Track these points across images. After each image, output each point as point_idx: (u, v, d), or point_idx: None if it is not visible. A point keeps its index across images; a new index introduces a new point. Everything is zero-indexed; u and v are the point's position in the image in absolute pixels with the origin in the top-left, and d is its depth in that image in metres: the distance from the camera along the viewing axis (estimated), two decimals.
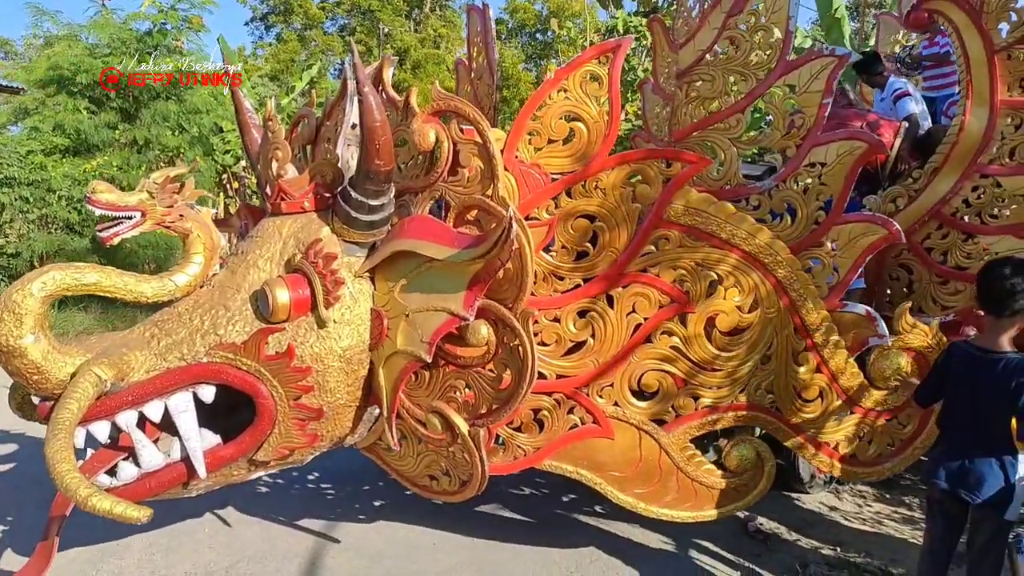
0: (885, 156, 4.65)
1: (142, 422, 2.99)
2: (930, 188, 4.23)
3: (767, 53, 3.53)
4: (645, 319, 3.36)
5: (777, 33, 3.51)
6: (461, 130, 3.11)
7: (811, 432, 3.53)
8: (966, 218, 4.17)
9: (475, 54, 4.02)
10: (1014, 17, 4.02)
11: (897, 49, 6.39)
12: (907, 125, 4.82)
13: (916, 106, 5.02)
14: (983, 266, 3.04)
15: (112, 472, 3.01)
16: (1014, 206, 4.02)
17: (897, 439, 3.63)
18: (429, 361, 2.99)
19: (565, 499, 4.59)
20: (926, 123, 5.07)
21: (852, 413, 3.55)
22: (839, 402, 3.50)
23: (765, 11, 3.56)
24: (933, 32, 5.51)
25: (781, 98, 3.59)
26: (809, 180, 3.41)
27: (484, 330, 3.04)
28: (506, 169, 3.13)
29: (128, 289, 3.07)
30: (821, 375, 3.45)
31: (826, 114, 3.41)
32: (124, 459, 3.03)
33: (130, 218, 3.33)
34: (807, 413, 3.50)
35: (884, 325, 3.40)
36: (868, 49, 5.94)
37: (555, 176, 3.33)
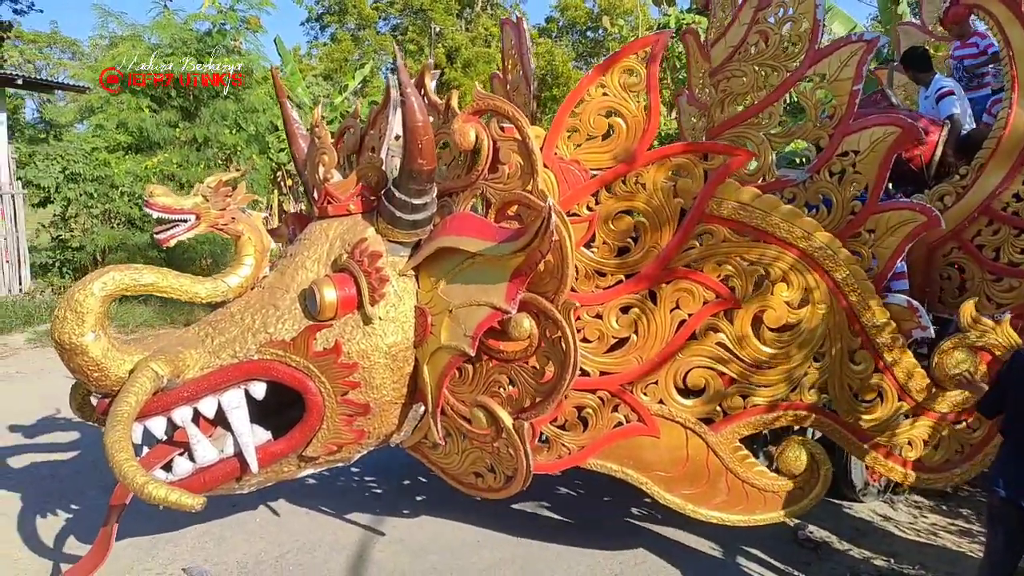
0: (930, 155, 4.51)
1: (197, 418, 3.10)
2: (978, 184, 4.09)
3: (796, 45, 3.46)
4: (690, 315, 3.33)
5: (806, 23, 3.45)
6: (501, 128, 3.14)
7: (875, 436, 3.42)
8: (1018, 213, 4.01)
9: (510, 66, 4.04)
10: None
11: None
12: (949, 125, 4.66)
13: (959, 106, 4.84)
14: None
15: (168, 467, 3.12)
16: None
17: (966, 444, 3.48)
18: (473, 355, 3.02)
19: (607, 499, 4.57)
20: (969, 124, 4.89)
21: (918, 416, 3.42)
22: (903, 404, 3.39)
23: (793, 2, 3.52)
24: (966, 34, 5.32)
25: (812, 89, 3.51)
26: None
27: (526, 323, 3.06)
28: (545, 166, 3.15)
29: (183, 290, 3.20)
30: (882, 375, 3.35)
31: (856, 101, 3.34)
32: (179, 454, 3.14)
33: (185, 221, 3.45)
34: (868, 415, 3.39)
35: (927, 317, 3.30)
36: (919, 46, 5.75)
37: (595, 172, 3.33)
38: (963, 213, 4.11)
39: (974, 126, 4.91)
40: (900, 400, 3.38)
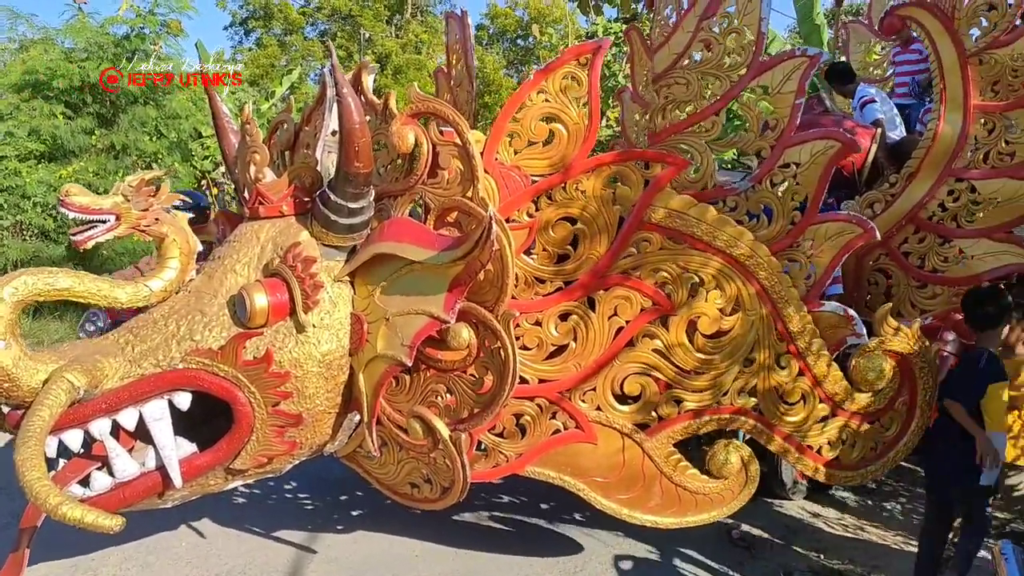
0: (862, 162, 4.71)
1: (116, 430, 2.92)
2: (906, 193, 4.28)
3: (740, 55, 3.55)
4: (627, 322, 3.35)
5: (749, 35, 3.54)
6: (440, 132, 3.10)
7: (795, 436, 3.52)
8: (943, 222, 4.22)
9: (454, 61, 4.01)
10: (984, 23, 4.10)
11: (868, 58, 6.47)
12: (879, 131, 4.88)
13: (882, 111, 5.07)
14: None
15: (85, 482, 2.93)
16: (989, 209, 4.07)
17: (880, 442, 3.63)
18: (410, 365, 2.95)
19: (545, 507, 4.56)
20: (896, 130, 5.13)
21: (835, 417, 3.54)
22: (822, 406, 3.50)
23: (738, 14, 3.60)
24: (907, 40, 5.59)
25: (754, 100, 3.61)
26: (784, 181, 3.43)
27: (465, 333, 3.02)
28: (486, 171, 3.12)
29: (102, 294, 3.01)
30: (804, 379, 3.45)
31: (799, 114, 3.44)
32: (97, 469, 2.95)
33: (104, 221, 3.27)
34: (790, 417, 3.49)
35: (862, 325, 3.42)
36: (840, 59, 6.02)
37: (535, 178, 3.32)
38: (891, 221, 4.30)
39: (902, 132, 5.14)
40: (820, 401, 3.50)
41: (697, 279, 3.34)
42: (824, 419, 3.53)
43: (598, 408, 3.42)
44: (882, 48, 6.36)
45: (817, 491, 4.83)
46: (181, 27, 12.24)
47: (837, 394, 3.48)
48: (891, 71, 6.03)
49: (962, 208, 4.16)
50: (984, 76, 4.10)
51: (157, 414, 2.92)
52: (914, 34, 5.30)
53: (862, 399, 3.52)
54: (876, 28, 6.41)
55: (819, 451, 3.57)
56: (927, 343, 3.50)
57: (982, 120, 4.13)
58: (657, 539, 3.99)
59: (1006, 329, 3.56)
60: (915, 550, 3.80)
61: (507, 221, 3.16)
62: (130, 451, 3.02)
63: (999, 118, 4.10)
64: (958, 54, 4.13)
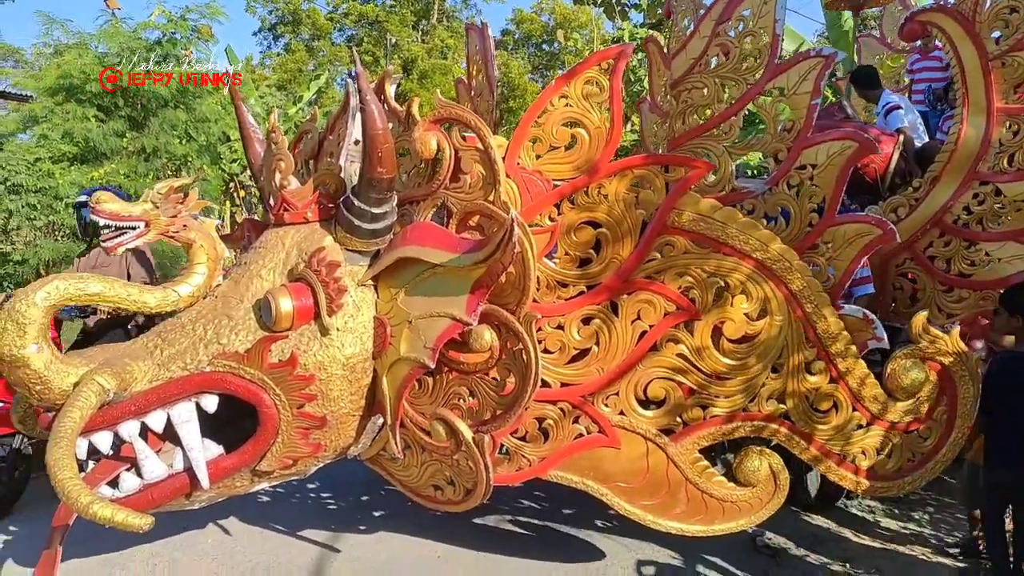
0: (885, 167, 4.65)
1: (145, 432, 2.98)
2: (930, 197, 4.24)
3: (756, 58, 3.53)
4: (651, 327, 3.33)
5: (765, 37, 3.52)
6: (463, 137, 3.11)
7: (830, 445, 3.46)
8: (968, 225, 4.15)
9: (475, 72, 4.03)
10: (1006, 26, 4.04)
11: (882, 71, 6.42)
12: (902, 138, 4.82)
13: (907, 118, 5.02)
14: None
15: (114, 483, 2.99)
16: (1015, 212, 4.00)
17: (918, 453, 3.53)
18: (432, 367, 2.97)
19: (568, 511, 4.54)
20: (920, 137, 5.07)
21: (872, 426, 3.47)
22: (857, 414, 3.44)
23: (753, 17, 3.59)
24: (927, 48, 5.53)
25: (771, 102, 3.59)
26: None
27: (487, 335, 3.03)
28: (508, 175, 3.13)
29: (131, 299, 3.08)
30: (836, 386, 3.40)
31: (815, 115, 3.41)
32: (126, 470, 3.02)
33: (134, 228, 3.34)
34: (824, 424, 3.43)
35: (882, 329, 3.36)
36: (867, 65, 5.96)
37: (557, 183, 3.32)
38: (916, 225, 4.25)
39: (925, 139, 5.08)
40: (854, 410, 3.43)
41: (722, 283, 3.32)
42: (861, 427, 3.46)
43: (621, 413, 3.40)
44: (893, 61, 6.32)
45: (847, 499, 4.77)
46: (212, 32, 12.44)
47: (875, 401, 3.42)
48: (909, 79, 5.97)
49: (987, 211, 4.10)
50: (1007, 79, 4.06)
51: (185, 416, 2.98)
52: (938, 43, 5.27)
53: (899, 408, 3.44)
54: (888, 41, 6.37)
55: (854, 461, 3.49)
56: (967, 351, 3.42)
57: (1006, 123, 4.07)
58: (681, 545, 3.95)
59: None
60: (942, 560, 3.78)
61: (529, 225, 3.17)
62: (158, 453, 3.08)
63: (1023, 120, 4.03)
64: (980, 57, 4.08)
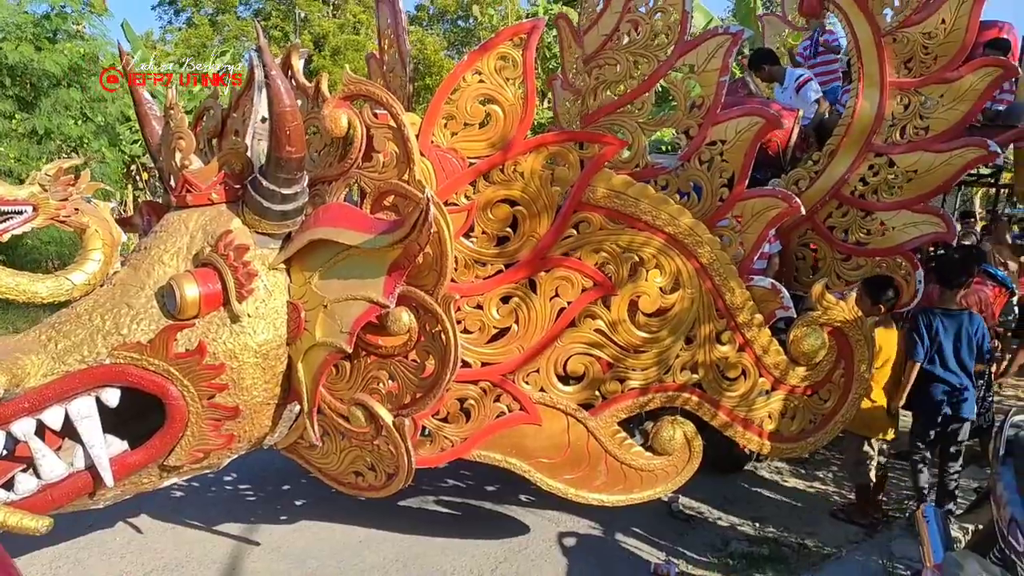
0: (786, 141, 4.82)
1: (41, 430, 2.80)
2: (829, 169, 4.43)
3: (667, 35, 3.58)
4: (569, 303, 3.36)
5: (675, 14, 3.58)
6: (374, 115, 3.03)
7: (738, 410, 3.59)
8: (864, 196, 4.36)
9: (386, 46, 3.93)
10: (897, 3, 4.25)
11: (783, 48, 6.67)
12: (809, 112, 4.99)
13: (816, 92, 5.20)
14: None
15: (8, 486, 2.80)
16: (907, 183, 4.22)
17: (819, 415, 3.72)
18: (350, 351, 2.90)
19: (490, 488, 4.58)
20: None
21: (776, 390, 3.62)
22: (763, 380, 3.58)
23: None
24: (816, 28, 5.74)
25: (682, 79, 3.65)
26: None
27: (405, 317, 2.98)
28: (422, 154, 3.07)
29: (20, 289, 2.89)
30: (745, 353, 3.52)
31: (723, 92, 3.49)
32: (22, 471, 2.82)
33: (20, 212, 3.11)
34: (733, 391, 3.56)
35: (789, 298, 3.50)
36: (762, 47, 6.15)
37: (472, 161, 3.29)
38: (816, 196, 4.43)
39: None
40: (760, 376, 3.58)
41: (637, 258, 3.37)
42: (766, 393, 3.61)
43: (542, 389, 3.43)
44: (795, 39, 6.55)
45: (757, 461, 4.97)
46: (105, 6, 11.73)
47: (777, 367, 3.57)
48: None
49: (882, 182, 4.31)
50: (898, 54, 4.25)
51: (84, 412, 2.81)
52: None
53: (800, 372, 3.61)
54: (790, 19, 6.60)
55: (760, 425, 3.65)
56: (862, 316, 3.61)
57: (898, 96, 4.27)
58: (599, 515, 4.05)
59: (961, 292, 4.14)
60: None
61: (445, 204, 3.13)
62: (57, 451, 2.90)
63: (913, 94, 4.26)
64: (873, 33, 4.26)
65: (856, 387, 3.67)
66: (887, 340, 4.04)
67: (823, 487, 4.81)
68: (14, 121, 10.35)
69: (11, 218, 3.11)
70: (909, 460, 4.26)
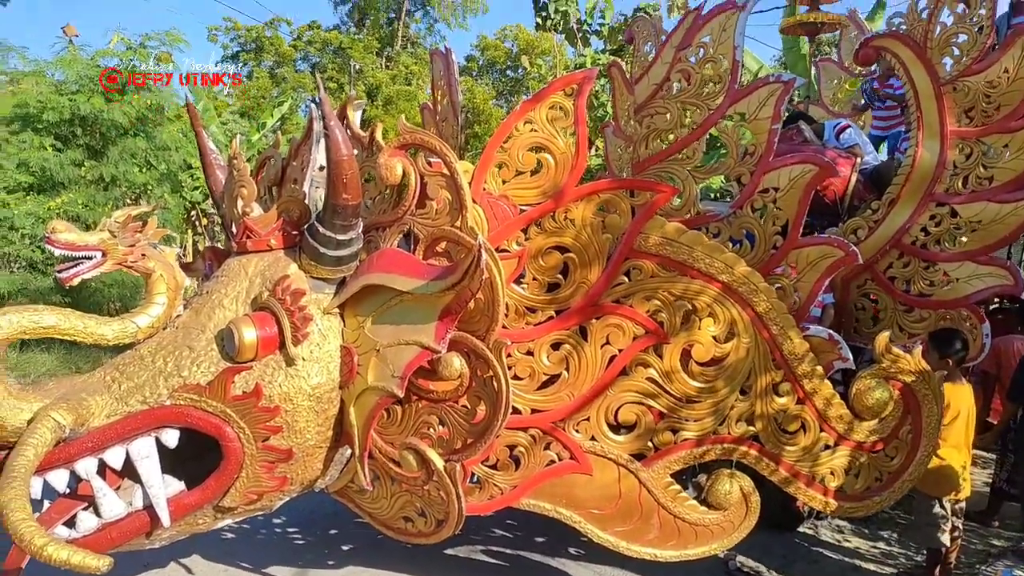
0: (844, 188, 4.75)
1: (103, 469, 2.87)
2: (889, 218, 4.33)
3: (717, 84, 3.60)
4: (620, 351, 3.33)
5: (725, 63, 3.59)
6: (428, 163, 3.10)
7: (799, 466, 3.46)
8: (926, 246, 4.25)
9: (439, 97, 4.04)
10: (956, 52, 4.19)
11: (840, 94, 6.61)
12: (859, 160, 4.93)
13: (857, 137, 5.15)
14: None
15: (71, 523, 2.87)
16: (971, 232, 4.10)
17: (885, 472, 3.55)
18: (401, 396, 2.92)
19: (540, 539, 4.49)
20: (870, 155, 5.20)
21: (839, 446, 3.48)
22: (825, 434, 3.45)
23: (713, 43, 3.66)
24: (886, 74, 5.69)
25: (733, 127, 3.65)
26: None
27: (457, 362, 2.99)
28: (474, 201, 3.12)
29: (88, 332, 2.99)
30: (804, 407, 3.41)
31: (776, 140, 3.48)
32: (84, 509, 2.89)
33: (91, 258, 3.25)
34: (792, 446, 3.44)
35: (847, 349, 3.40)
36: (791, 110, 6.14)
37: (524, 208, 3.32)
38: (876, 246, 4.33)
39: (876, 158, 5.20)
40: (821, 430, 3.45)
41: (690, 306, 3.33)
42: (828, 448, 3.47)
43: (592, 438, 3.38)
44: (851, 85, 6.50)
45: (817, 519, 4.79)
46: (172, 60, 12.33)
47: (841, 421, 3.44)
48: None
49: (944, 232, 4.20)
50: (959, 103, 4.18)
51: (144, 452, 2.87)
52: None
53: (865, 427, 3.46)
54: (846, 65, 6.56)
55: (823, 481, 3.50)
56: (929, 370, 3.48)
57: (959, 146, 4.18)
58: (652, 570, 3.91)
59: None
60: None
61: (497, 250, 3.16)
62: (117, 490, 2.96)
63: (975, 144, 4.16)
64: (932, 82, 4.21)
65: (925, 444, 3.49)
66: (956, 395, 3.86)
67: (887, 547, 4.60)
68: (83, 169, 10.87)
69: (82, 263, 3.25)
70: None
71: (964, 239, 4.15)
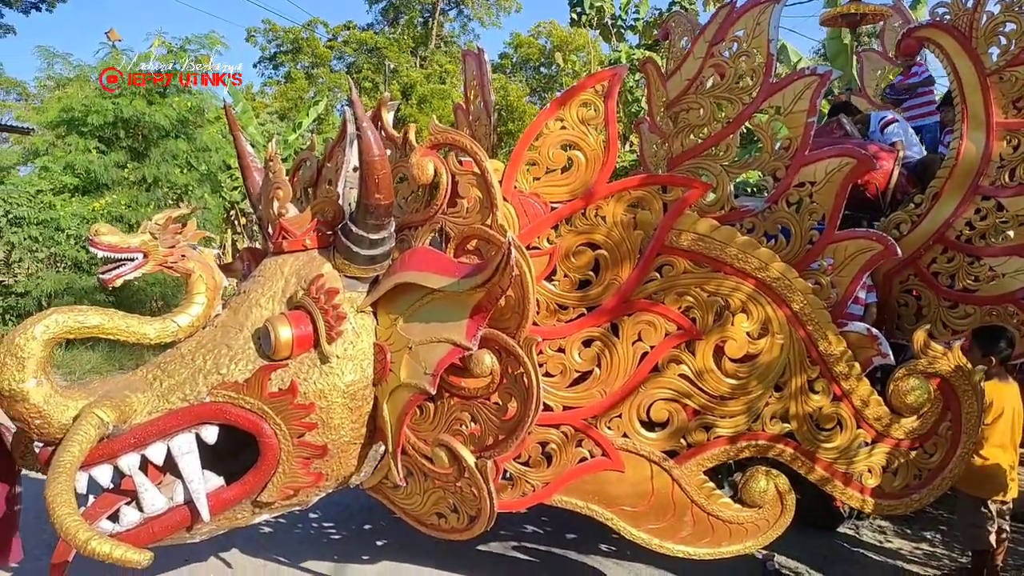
0: (886, 182, 4.65)
1: (145, 465, 2.95)
2: (932, 212, 4.23)
3: (751, 78, 3.55)
4: (652, 348, 3.31)
5: (759, 57, 3.54)
6: (459, 162, 3.12)
7: (837, 464, 3.41)
8: (971, 241, 4.14)
9: (472, 97, 4.06)
10: (1003, 41, 4.06)
11: (883, 85, 6.47)
12: (901, 153, 4.82)
13: (901, 132, 5.03)
14: None
15: (114, 518, 2.96)
16: (1018, 227, 3.98)
17: (924, 470, 3.48)
18: (433, 393, 2.95)
19: (572, 536, 4.49)
20: (914, 149, 5.08)
21: (878, 444, 3.42)
22: (862, 432, 3.40)
23: (746, 37, 3.62)
24: (907, 66, 5.56)
25: (767, 121, 3.59)
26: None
27: (488, 359, 3.01)
28: (505, 199, 3.13)
29: (131, 331, 3.07)
30: (840, 404, 3.36)
31: (811, 133, 3.42)
32: (127, 504, 2.98)
33: (132, 259, 3.34)
34: (829, 443, 3.39)
35: (887, 345, 3.33)
36: (838, 101, 6.01)
37: (555, 205, 3.32)
38: (919, 241, 4.23)
39: (921, 151, 5.08)
40: (858, 428, 3.40)
41: (723, 303, 3.30)
42: (866, 446, 3.42)
43: (625, 435, 3.37)
44: (895, 75, 6.35)
45: (858, 519, 4.70)
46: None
47: (879, 419, 3.38)
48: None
49: (990, 226, 4.08)
50: (1005, 93, 4.05)
51: (185, 448, 2.95)
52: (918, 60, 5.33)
53: (904, 425, 3.40)
54: (889, 55, 6.42)
55: (860, 480, 3.44)
56: (969, 366, 3.40)
57: (1006, 137, 4.06)
58: (687, 569, 3.89)
59: None
60: None
61: (527, 248, 3.17)
62: (158, 485, 3.04)
63: (1023, 135, 4.03)
64: (977, 72, 4.08)
65: (965, 441, 3.42)
66: (999, 393, 3.76)
67: (931, 548, 4.50)
68: (126, 170, 11.16)
69: (124, 264, 3.33)
70: None
71: (1011, 233, 4.03)
